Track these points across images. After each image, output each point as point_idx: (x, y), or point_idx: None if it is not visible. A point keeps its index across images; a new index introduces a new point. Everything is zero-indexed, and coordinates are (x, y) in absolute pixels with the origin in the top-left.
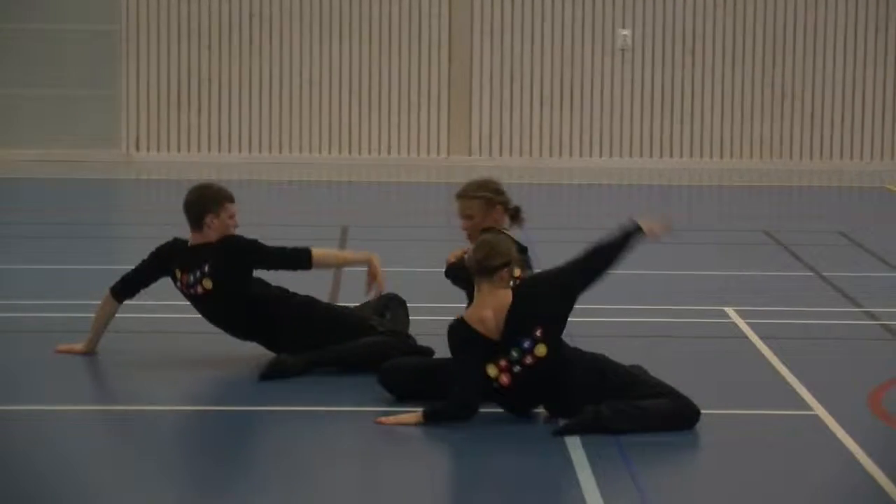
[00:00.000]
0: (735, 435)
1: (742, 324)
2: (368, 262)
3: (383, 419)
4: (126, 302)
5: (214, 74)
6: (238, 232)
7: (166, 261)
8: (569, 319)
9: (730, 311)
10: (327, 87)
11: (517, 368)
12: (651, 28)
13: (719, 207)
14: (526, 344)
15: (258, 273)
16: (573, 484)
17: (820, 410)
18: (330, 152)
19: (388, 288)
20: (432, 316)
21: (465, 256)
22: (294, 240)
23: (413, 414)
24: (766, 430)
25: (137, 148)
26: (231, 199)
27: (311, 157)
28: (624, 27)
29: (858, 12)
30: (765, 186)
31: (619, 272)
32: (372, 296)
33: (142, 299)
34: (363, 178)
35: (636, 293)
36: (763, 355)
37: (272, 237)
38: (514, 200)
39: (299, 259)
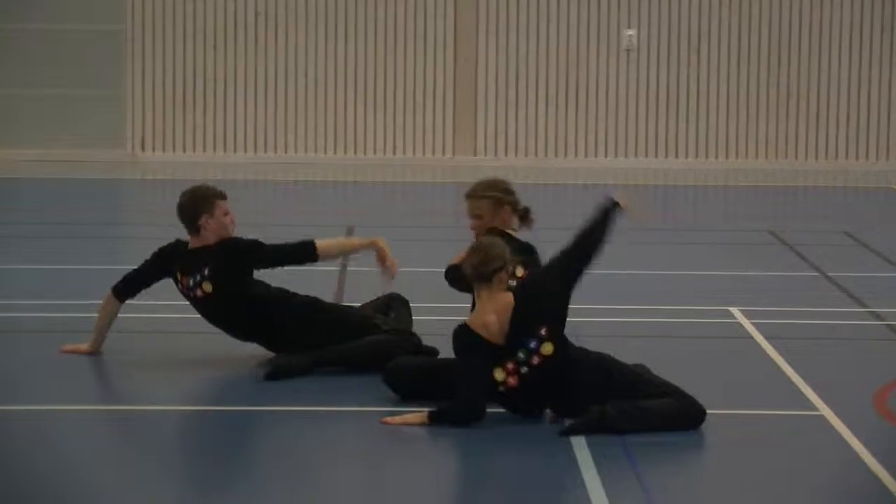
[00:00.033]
0: (740, 435)
1: (747, 324)
2: (375, 247)
3: (388, 419)
4: (127, 302)
5: (220, 74)
6: (243, 231)
7: (167, 262)
8: (575, 320)
9: (735, 311)
10: (332, 86)
11: (524, 370)
12: (657, 28)
13: (724, 207)
14: (532, 344)
15: (260, 274)
16: (578, 484)
17: (825, 410)
18: (335, 152)
19: (394, 286)
20: (437, 316)
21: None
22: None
23: (418, 414)
24: (771, 430)
25: (143, 148)
26: (222, 197)
27: (317, 156)
28: (629, 27)
29: (864, 12)
30: (770, 186)
31: (624, 272)
32: (385, 280)
33: (142, 299)
34: (368, 178)
35: (641, 293)
36: (768, 355)
37: (277, 237)
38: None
39: (305, 252)
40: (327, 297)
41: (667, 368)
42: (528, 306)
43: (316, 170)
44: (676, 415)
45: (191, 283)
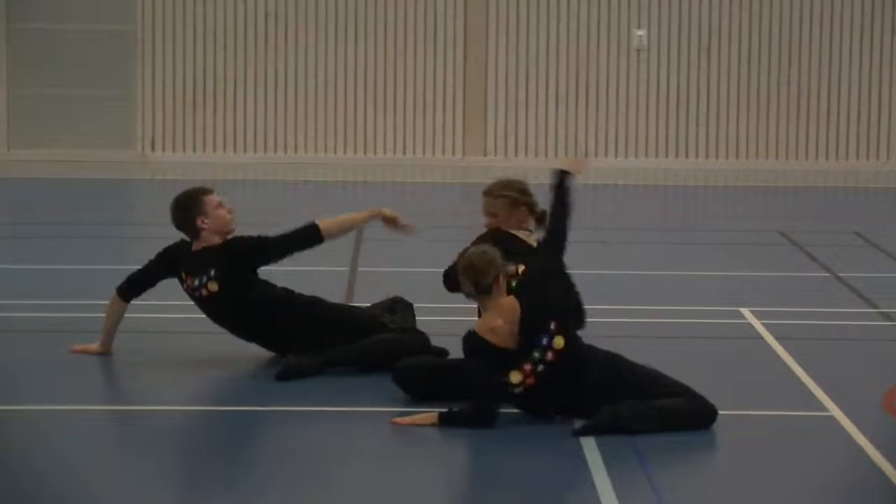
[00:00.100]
0: (750, 435)
1: (757, 324)
2: (381, 216)
3: (398, 420)
4: (133, 302)
5: (230, 74)
6: (251, 231)
7: (172, 262)
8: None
9: (745, 311)
10: (342, 87)
11: (540, 367)
12: (667, 28)
13: (734, 208)
14: (545, 340)
15: (265, 274)
16: (588, 486)
17: (835, 411)
18: (345, 152)
19: (400, 288)
20: (444, 316)
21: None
22: None
23: (428, 415)
24: (781, 430)
25: (153, 148)
26: (208, 192)
27: (326, 157)
28: (639, 27)
29: (875, 12)
30: (780, 187)
31: (634, 272)
32: (406, 234)
33: (148, 299)
34: (378, 179)
35: (651, 293)
36: (778, 356)
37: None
38: None
39: (309, 236)
40: (338, 297)
41: (677, 369)
42: (533, 305)
43: (326, 170)
44: (688, 414)
45: (196, 283)
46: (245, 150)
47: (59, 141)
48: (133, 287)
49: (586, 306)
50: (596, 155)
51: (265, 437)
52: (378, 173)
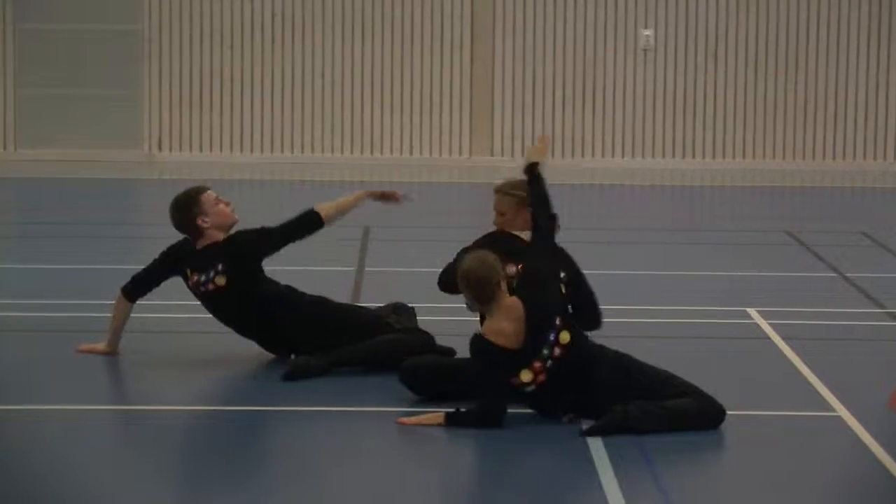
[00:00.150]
0: (757, 435)
1: (764, 324)
2: (370, 197)
3: (404, 420)
4: (138, 301)
5: (236, 74)
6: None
7: (176, 260)
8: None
9: (752, 311)
10: (349, 87)
11: (549, 363)
12: (674, 28)
13: (741, 208)
14: (551, 336)
15: (269, 274)
16: (595, 486)
17: (842, 411)
18: (352, 152)
19: (406, 287)
20: (452, 316)
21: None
22: (315, 239)
23: (435, 415)
24: (788, 430)
25: (159, 148)
26: (204, 190)
27: (333, 157)
28: (646, 27)
29: (882, 14)
30: (787, 187)
31: (641, 273)
32: (405, 201)
33: (153, 299)
34: (385, 179)
35: (658, 293)
36: (785, 356)
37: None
38: None
39: (311, 222)
40: (344, 297)
41: (683, 368)
42: (536, 303)
43: (332, 170)
44: (696, 414)
45: (203, 278)
46: (252, 150)
47: (65, 141)
48: (138, 287)
49: None
50: (603, 155)
51: (271, 437)
52: (385, 173)
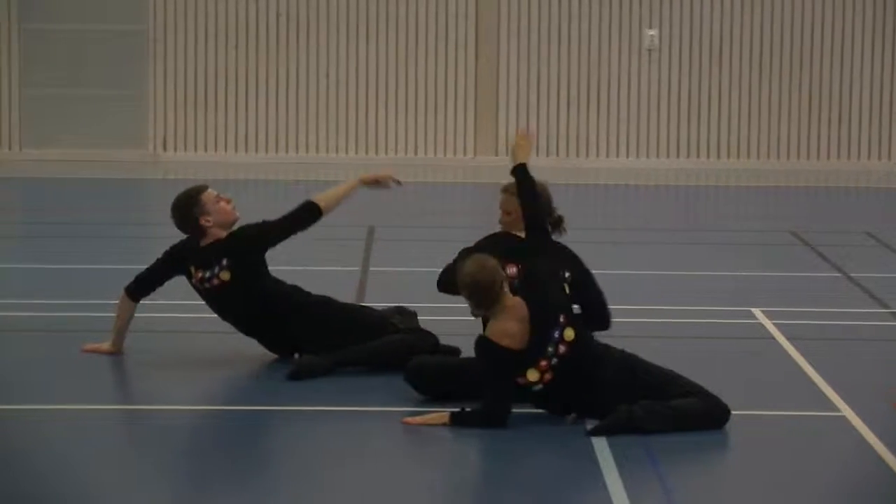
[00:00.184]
0: (761, 435)
1: (769, 324)
2: (364, 182)
3: (409, 419)
4: (142, 301)
5: (241, 74)
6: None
7: (180, 259)
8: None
9: (756, 311)
10: (354, 87)
11: (555, 361)
12: (678, 28)
13: (746, 208)
14: (556, 334)
15: (274, 273)
16: (600, 486)
17: (847, 411)
18: (356, 152)
19: (411, 287)
20: (457, 316)
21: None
22: (320, 239)
23: (440, 415)
24: (792, 430)
25: (164, 148)
26: (204, 189)
27: (338, 157)
28: (651, 27)
29: (887, 14)
30: (792, 187)
31: (644, 272)
32: (394, 186)
33: (158, 298)
34: None
35: (662, 293)
36: (790, 356)
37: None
38: None
39: (310, 213)
40: (349, 297)
41: (688, 368)
42: (539, 302)
43: (337, 170)
44: (702, 414)
45: (207, 275)
46: (257, 150)
47: (70, 141)
48: (141, 286)
49: None
50: (607, 155)
51: (275, 437)
52: (390, 173)
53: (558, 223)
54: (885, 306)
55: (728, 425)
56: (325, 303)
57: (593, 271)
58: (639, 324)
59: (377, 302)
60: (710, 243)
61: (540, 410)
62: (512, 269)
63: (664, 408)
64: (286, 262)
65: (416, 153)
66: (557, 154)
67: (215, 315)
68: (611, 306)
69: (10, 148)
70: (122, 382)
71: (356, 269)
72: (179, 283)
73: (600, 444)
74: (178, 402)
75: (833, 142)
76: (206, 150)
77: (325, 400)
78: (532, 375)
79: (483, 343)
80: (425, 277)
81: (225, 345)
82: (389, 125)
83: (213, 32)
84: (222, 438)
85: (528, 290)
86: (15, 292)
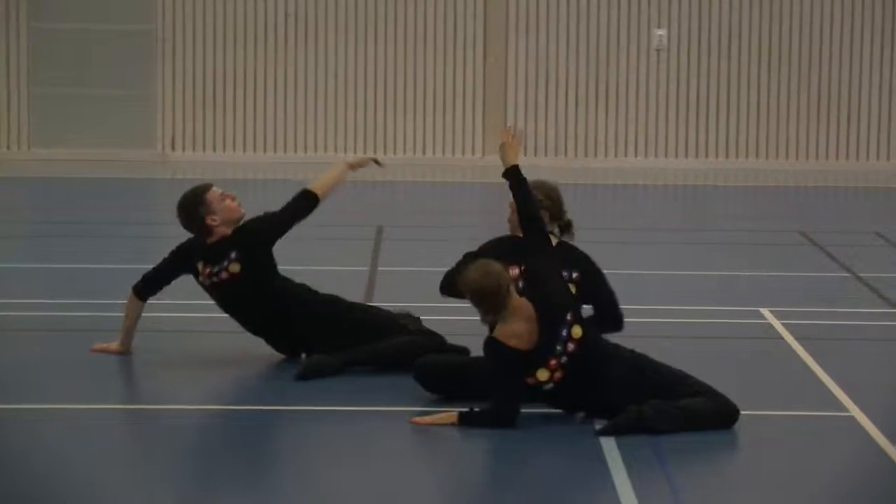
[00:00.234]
0: (770, 435)
1: (777, 324)
2: (352, 167)
3: (417, 419)
4: (149, 301)
5: (249, 74)
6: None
7: (187, 257)
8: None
9: (765, 311)
10: (362, 87)
11: (564, 359)
12: (686, 28)
13: (754, 208)
14: (564, 332)
15: (282, 272)
16: (609, 486)
17: (855, 411)
18: (364, 152)
19: (418, 287)
20: (463, 316)
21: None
22: (329, 239)
23: (448, 414)
24: (801, 430)
25: (172, 147)
26: (208, 188)
27: (346, 157)
28: (659, 27)
29: (895, 15)
30: (800, 187)
31: (653, 272)
32: (380, 165)
33: (165, 298)
34: (398, 178)
35: (670, 293)
36: (798, 356)
37: (303, 235)
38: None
39: (309, 202)
40: (357, 297)
41: (697, 369)
42: (545, 302)
43: None
44: (711, 414)
45: (216, 269)
46: (265, 150)
47: (78, 140)
48: (149, 285)
49: None
50: (616, 155)
51: (283, 437)
52: (397, 173)
53: (568, 227)
54: (894, 306)
55: (737, 425)
56: (333, 302)
57: (602, 271)
58: (648, 324)
59: (385, 302)
60: (719, 243)
61: (548, 410)
62: (514, 271)
63: (673, 407)
64: (295, 262)
65: (424, 153)
66: (566, 154)
67: (223, 315)
68: (620, 306)
69: (18, 147)
70: (130, 382)
71: (365, 268)
72: (188, 282)
73: (609, 445)
74: (185, 401)
75: (842, 142)
76: (214, 149)
77: (333, 400)
78: (542, 375)
79: (491, 344)
80: (434, 277)
81: (233, 344)
82: (398, 125)
83: (221, 32)
84: (230, 438)
85: (531, 289)
86: (23, 292)
